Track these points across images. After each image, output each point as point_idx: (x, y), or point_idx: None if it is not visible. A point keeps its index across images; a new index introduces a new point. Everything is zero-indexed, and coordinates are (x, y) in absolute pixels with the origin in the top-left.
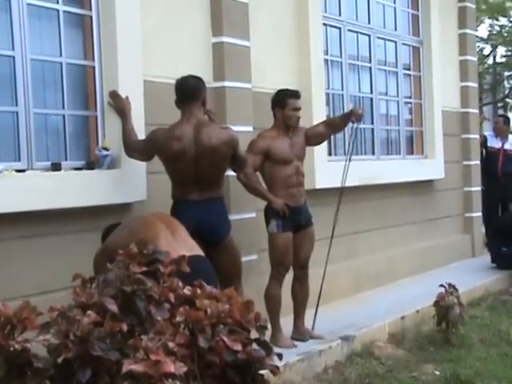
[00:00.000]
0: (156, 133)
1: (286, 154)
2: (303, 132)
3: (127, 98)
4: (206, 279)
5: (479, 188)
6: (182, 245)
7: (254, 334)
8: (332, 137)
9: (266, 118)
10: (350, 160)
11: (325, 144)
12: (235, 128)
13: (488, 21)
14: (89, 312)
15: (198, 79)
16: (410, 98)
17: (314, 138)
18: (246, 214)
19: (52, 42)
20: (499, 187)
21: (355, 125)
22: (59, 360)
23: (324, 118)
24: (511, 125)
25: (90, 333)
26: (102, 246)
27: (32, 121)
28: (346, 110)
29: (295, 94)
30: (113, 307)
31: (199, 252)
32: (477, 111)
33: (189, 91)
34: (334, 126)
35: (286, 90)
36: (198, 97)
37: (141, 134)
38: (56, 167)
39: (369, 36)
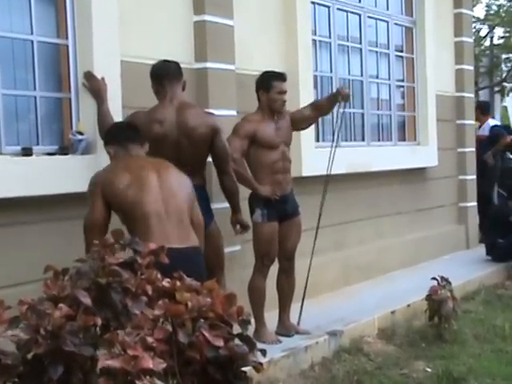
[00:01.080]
0: (135, 116)
1: (271, 138)
2: (289, 115)
3: (103, 79)
4: (195, 275)
5: (474, 176)
6: (175, 232)
7: (236, 329)
8: (320, 121)
9: (251, 102)
10: (336, 146)
11: (312, 129)
12: (218, 112)
13: (485, 0)
14: (61, 305)
15: (177, 63)
16: (403, 81)
17: (300, 121)
18: (227, 204)
19: (22, 19)
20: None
21: (341, 109)
22: (29, 356)
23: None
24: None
25: (62, 327)
26: (98, 175)
27: (1, 103)
28: None
29: (281, 77)
30: (86, 300)
31: (193, 241)
32: (472, 96)
33: (171, 72)
34: (320, 108)
35: (271, 72)
36: (180, 78)
37: (117, 118)
38: (27, 152)
39: (359, 15)
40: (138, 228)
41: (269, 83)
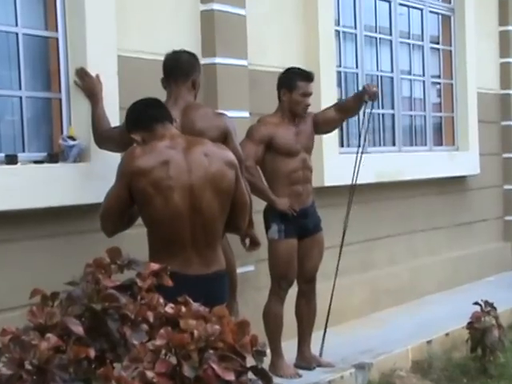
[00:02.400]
0: None
1: (290, 144)
2: (311, 118)
3: (98, 76)
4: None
5: None
6: (199, 255)
7: (249, 361)
8: (344, 123)
9: (265, 102)
10: (363, 152)
11: (335, 133)
12: (228, 113)
13: None
14: (48, 335)
15: (193, 56)
16: (439, 77)
17: (323, 124)
18: None
19: (5, 8)
20: None
21: (368, 109)
22: None
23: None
24: None
25: (50, 360)
26: (129, 160)
27: None
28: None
29: (308, 77)
30: (78, 329)
31: (218, 265)
32: None
33: (177, 68)
34: (346, 108)
35: (297, 69)
36: (189, 76)
37: (114, 120)
38: (11, 160)
39: (389, 2)
40: (159, 243)
41: (293, 82)
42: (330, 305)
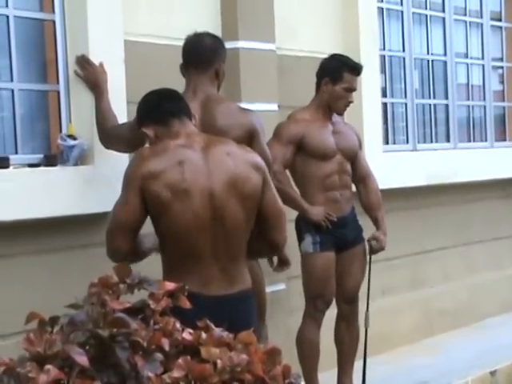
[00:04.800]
0: None
1: (325, 144)
2: (355, 132)
3: (102, 65)
4: (242, 326)
5: None
6: (219, 273)
7: None
8: (389, 117)
9: (296, 92)
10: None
11: (379, 127)
12: (253, 106)
13: None
14: (48, 367)
15: (217, 40)
16: (501, 60)
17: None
18: None
19: None
20: None
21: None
22: None
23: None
24: None
25: None
26: (137, 163)
27: None
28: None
29: (356, 69)
30: (82, 359)
31: (242, 283)
32: None
33: (198, 53)
34: (367, 200)
35: (346, 58)
36: (211, 64)
37: (121, 115)
38: (2, 163)
39: None
40: (176, 256)
41: (339, 73)
42: (367, 330)
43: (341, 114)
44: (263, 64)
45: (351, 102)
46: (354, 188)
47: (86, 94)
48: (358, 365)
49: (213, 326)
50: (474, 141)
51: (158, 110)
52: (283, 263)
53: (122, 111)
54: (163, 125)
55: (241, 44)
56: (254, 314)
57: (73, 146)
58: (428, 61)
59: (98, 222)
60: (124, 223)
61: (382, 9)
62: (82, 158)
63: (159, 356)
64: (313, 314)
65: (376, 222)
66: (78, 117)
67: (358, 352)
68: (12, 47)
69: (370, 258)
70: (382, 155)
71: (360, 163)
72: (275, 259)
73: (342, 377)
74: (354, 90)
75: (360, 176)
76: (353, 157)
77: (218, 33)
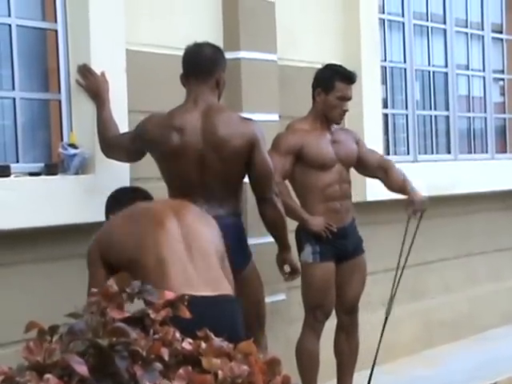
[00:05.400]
0: (149, 121)
1: (324, 154)
2: (353, 137)
3: (103, 74)
4: (230, 332)
5: None
6: (202, 276)
7: None
8: (390, 127)
9: (298, 103)
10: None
11: (379, 138)
12: (254, 116)
13: None
14: (47, 376)
15: (218, 50)
16: (502, 72)
17: (361, 165)
18: (269, 237)
19: None
20: None
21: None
22: None
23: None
24: None
25: None
26: (98, 233)
27: None
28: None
29: (348, 77)
30: (81, 368)
31: (225, 288)
32: None
33: (199, 64)
34: (389, 183)
35: (338, 67)
36: (212, 74)
37: (123, 125)
38: (3, 171)
39: None
40: (151, 277)
41: (330, 82)
42: (381, 340)
43: (337, 123)
44: (264, 74)
45: (346, 110)
46: (353, 198)
47: (87, 103)
48: (357, 375)
49: (212, 336)
50: (474, 152)
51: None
52: (294, 271)
53: (123, 120)
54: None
55: (242, 54)
56: (241, 319)
57: (74, 155)
58: (429, 72)
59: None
60: None
61: (384, 20)
62: (83, 167)
63: (158, 366)
64: (312, 324)
65: (404, 191)
66: (79, 126)
67: (359, 361)
68: (14, 56)
69: (418, 224)
70: None
71: (368, 156)
72: (287, 268)
73: None
74: (349, 98)
75: (374, 166)
76: (353, 164)
77: (220, 43)
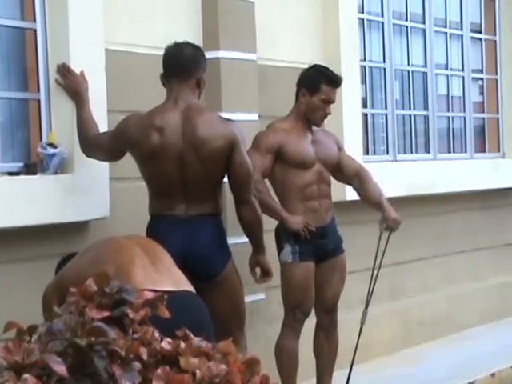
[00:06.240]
0: (129, 121)
1: (304, 153)
2: (334, 140)
3: (82, 73)
4: (196, 326)
5: None
6: (165, 277)
7: None
8: (369, 127)
9: (277, 102)
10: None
11: (359, 137)
12: (234, 116)
13: None
14: (25, 376)
15: (198, 50)
16: (481, 72)
17: (339, 171)
18: None
19: None
20: None
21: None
22: None
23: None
24: None
25: None
26: (54, 278)
27: None
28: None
29: (335, 81)
30: (60, 368)
31: (189, 287)
32: None
33: (179, 63)
34: (363, 194)
35: (325, 69)
36: (192, 73)
37: (102, 124)
38: None
39: None
40: None
41: (316, 84)
42: (357, 347)
43: (318, 125)
44: (244, 74)
45: (328, 113)
46: (334, 197)
47: (66, 103)
48: (336, 374)
49: (191, 336)
50: (453, 152)
51: None
52: (266, 274)
53: (102, 119)
54: None
55: (222, 54)
56: (208, 314)
57: (53, 155)
58: (408, 72)
59: (78, 231)
60: None
61: (363, 20)
62: (62, 167)
63: (137, 365)
64: (291, 323)
65: (380, 207)
66: (58, 125)
67: (338, 361)
68: None
69: (387, 241)
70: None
71: (347, 162)
72: (258, 270)
73: None
74: (332, 102)
75: (351, 173)
76: (333, 166)
77: (199, 42)
